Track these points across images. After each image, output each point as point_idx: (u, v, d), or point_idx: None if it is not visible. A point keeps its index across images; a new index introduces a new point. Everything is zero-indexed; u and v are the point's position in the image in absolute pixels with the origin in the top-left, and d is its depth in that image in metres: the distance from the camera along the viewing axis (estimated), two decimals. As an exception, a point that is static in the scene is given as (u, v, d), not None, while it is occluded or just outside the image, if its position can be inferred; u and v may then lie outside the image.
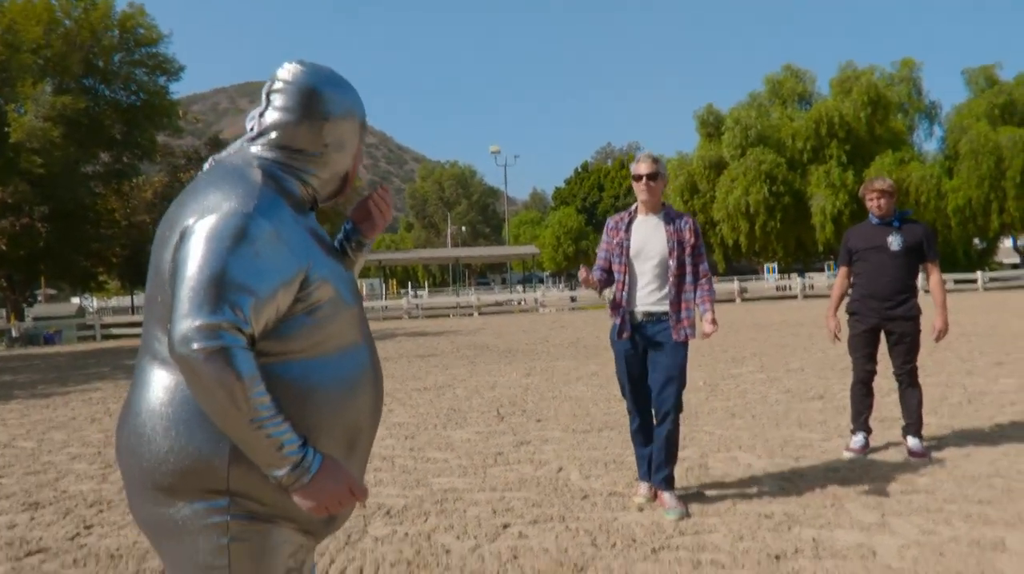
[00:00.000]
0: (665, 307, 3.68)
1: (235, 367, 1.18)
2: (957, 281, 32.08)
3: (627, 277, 3.74)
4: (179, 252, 1.26)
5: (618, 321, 3.76)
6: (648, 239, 3.72)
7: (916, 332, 4.49)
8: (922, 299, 4.58)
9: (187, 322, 1.19)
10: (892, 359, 4.59)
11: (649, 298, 3.70)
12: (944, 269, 36.75)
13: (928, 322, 4.42)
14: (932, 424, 5.37)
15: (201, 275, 1.21)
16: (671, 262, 3.67)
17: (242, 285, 1.22)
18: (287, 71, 1.44)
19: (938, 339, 4.55)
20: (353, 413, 1.42)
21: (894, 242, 4.43)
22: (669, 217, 3.78)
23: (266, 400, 1.22)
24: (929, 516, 3.43)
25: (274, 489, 1.31)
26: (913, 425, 4.50)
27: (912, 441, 4.49)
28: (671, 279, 3.67)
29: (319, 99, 1.43)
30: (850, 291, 4.73)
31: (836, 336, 4.70)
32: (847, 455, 4.52)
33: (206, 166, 1.44)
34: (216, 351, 1.18)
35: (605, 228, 3.92)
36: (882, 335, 4.58)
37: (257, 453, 1.24)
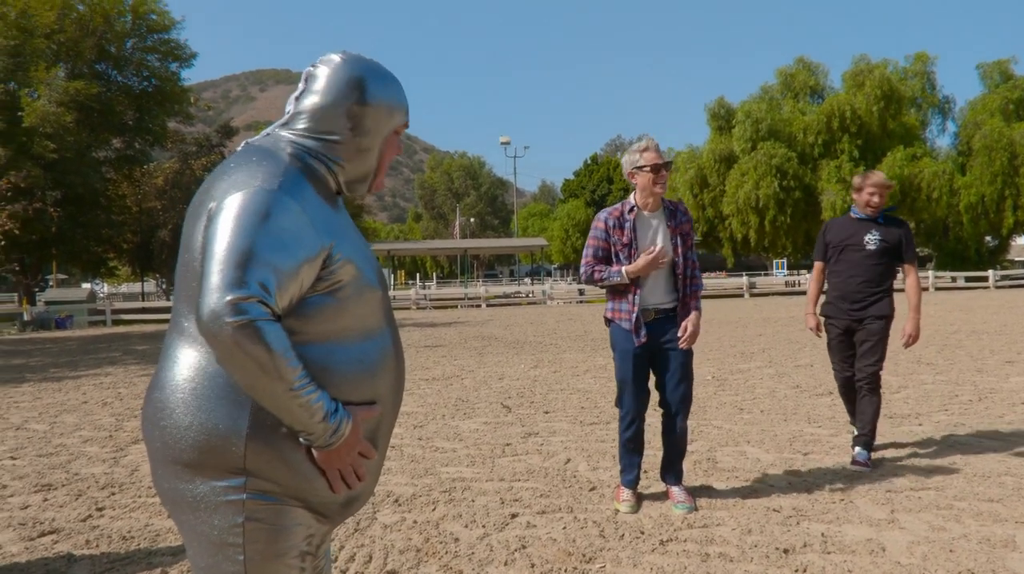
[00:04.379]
0: (675, 303, 3.61)
1: (265, 339, 1.21)
2: (968, 279, 31.89)
3: (639, 279, 3.58)
4: (207, 230, 1.29)
5: (630, 323, 3.57)
6: (655, 238, 3.58)
7: (884, 334, 4.22)
8: (897, 302, 4.42)
9: (215, 297, 1.21)
10: (856, 360, 4.33)
11: (659, 296, 3.59)
12: (955, 267, 36.66)
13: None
14: (943, 421, 5.35)
15: (228, 251, 1.23)
16: (677, 259, 3.59)
17: (268, 260, 1.25)
18: (329, 57, 1.47)
19: (907, 345, 4.29)
20: (374, 397, 1.44)
21: (871, 241, 4.23)
22: (670, 211, 3.65)
23: (299, 369, 1.25)
24: (939, 513, 3.42)
25: (290, 470, 1.33)
26: (864, 437, 4.22)
27: (859, 451, 4.21)
28: (679, 274, 3.60)
29: (354, 85, 1.44)
30: (825, 289, 4.55)
31: (818, 334, 4.55)
32: (853, 468, 4.15)
33: (238, 149, 1.47)
34: (245, 325, 1.20)
35: (602, 225, 3.61)
36: None
37: (293, 420, 1.27)
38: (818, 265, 4.58)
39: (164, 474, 1.35)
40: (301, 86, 1.48)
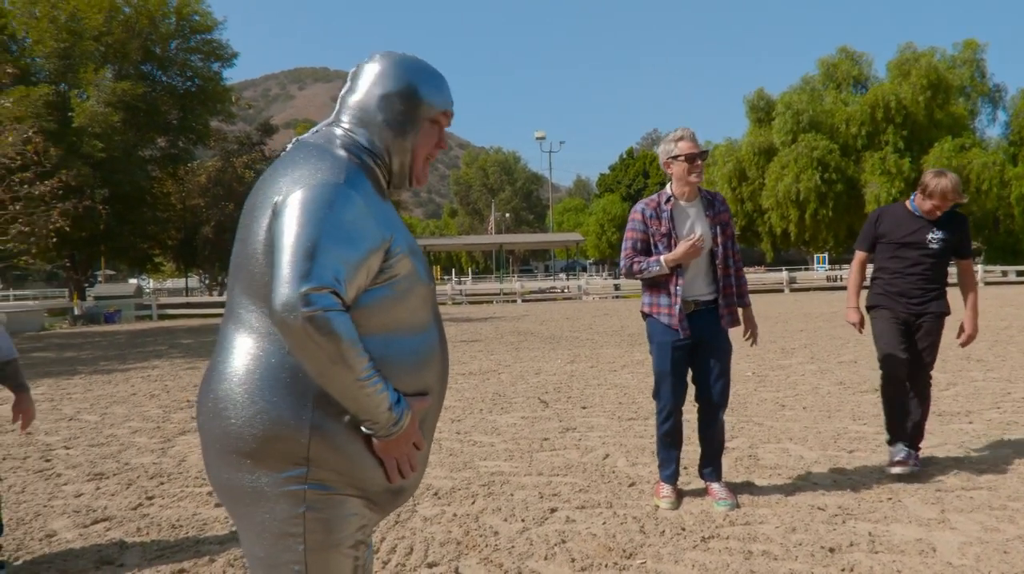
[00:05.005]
0: (715, 295, 3.57)
1: (338, 330, 1.25)
2: (1020, 273, 30.81)
3: (680, 270, 3.53)
4: (275, 224, 1.32)
5: (671, 316, 3.52)
6: (694, 228, 3.53)
7: (940, 333, 4.00)
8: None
9: (288, 288, 1.24)
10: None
11: (699, 287, 3.55)
12: (1006, 261, 35.48)
13: (952, 323, 4.06)
14: (995, 419, 5.18)
15: (298, 243, 1.27)
16: (717, 248, 3.55)
17: (337, 252, 1.28)
18: (375, 55, 1.53)
19: (965, 343, 4.03)
20: (425, 389, 1.47)
21: (935, 240, 3.91)
22: (707, 201, 3.61)
23: (367, 360, 1.29)
24: (992, 513, 3.31)
25: (350, 460, 1.36)
26: (912, 438, 3.97)
27: (901, 448, 3.95)
28: (719, 265, 3.55)
29: (389, 75, 1.49)
30: (870, 282, 4.18)
31: (860, 330, 4.23)
32: (894, 471, 3.81)
33: (288, 146, 1.50)
34: (319, 315, 1.24)
35: (639, 216, 3.57)
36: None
37: (360, 409, 1.31)
38: (861, 255, 4.21)
39: (224, 465, 1.37)
40: (347, 84, 1.54)
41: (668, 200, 3.58)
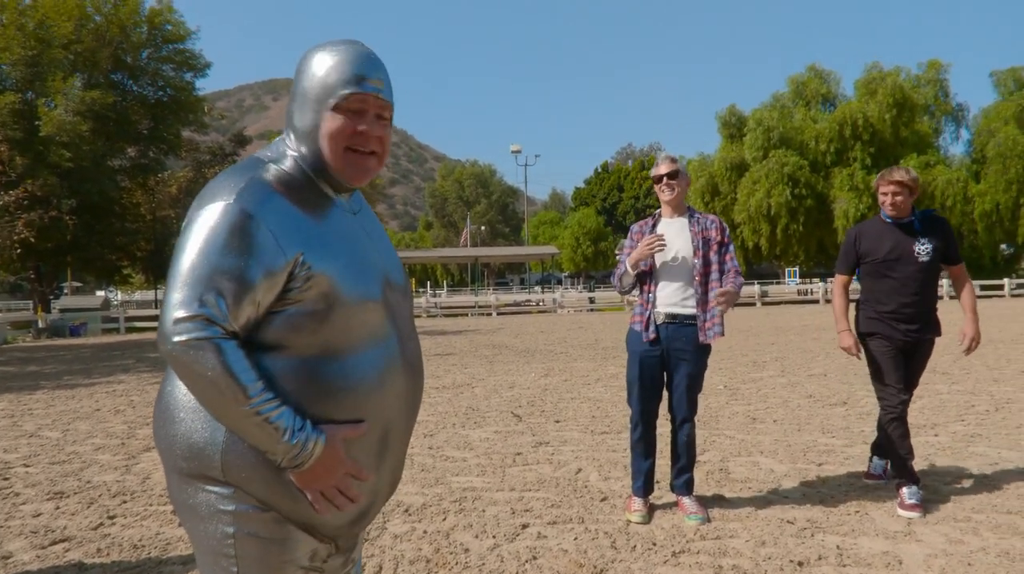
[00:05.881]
0: (691, 310, 3.58)
1: (215, 357, 1.20)
2: (983, 287, 31.55)
3: (652, 278, 3.65)
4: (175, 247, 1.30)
5: (642, 323, 3.64)
6: (673, 240, 3.62)
7: (931, 354, 3.90)
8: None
9: (167, 316, 1.23)
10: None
11: (674, 299, 3.60)
12: (972, 275, 36.12)
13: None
14: (959, 432, 5.28)
15: (181, 269, 1.24)
16: (696, 261, 3.59)
17: (220, 278, 1.22)
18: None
19: (969, 350, 3.86)
20: (380, 410, 1.39)
21: (923, 251, 3.71)
22: (694, 217, 3.71)
23: (256, 386, 1.22)
24: (956, 525, 3.36)
25: (268, 487, 1.29)
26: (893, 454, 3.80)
27: (877, 463, 4.07)
28: (697, 279, 3.58)
29: (297, 70, 1.40)
30: (859, 304, 3.95)
31: (857, 355, 3.91)
32: (905, 514, 3.52)
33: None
34: (192, 343, 1.20)
35: (629, 234, 3.83)
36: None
37: (252, 440, 1.25)
38: (843, 279, 3.99)
39: (170, 481, 1.37)
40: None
41: (656, 216, 3.80)
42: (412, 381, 1.48)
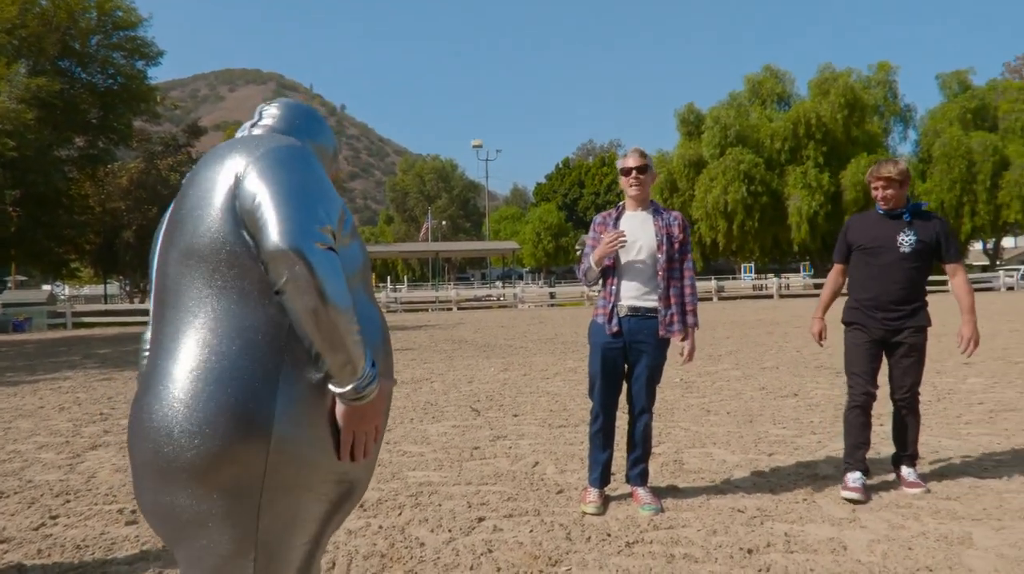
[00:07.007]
0: (653, 303, 3.62)
1: (340, 269, 1.24)
2: (938, 283, 32.64)
3: (615, 271, 3.65)
4: (245, 187, 1.28)
5: (604, 315, 3.64)
6: (637, 233, 3.64)
7: (925, 348, 3.81)
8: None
9: (296, 220, 1.22)
10: (893, 379, 3.86)
11: (637, 293, 3.62)
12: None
13: (937, 329, 3.94)
14: (903, 422, 5.45)
15: (293, 187, 1.26)
16: (660, 256, 3.61)
17: (324, 198, 1.30)
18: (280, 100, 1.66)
19: (966, 350, 3.77)
20: (386, 369, 1.46)
21: (905, 241, 3.73)
22: (658, 212, 3.73)
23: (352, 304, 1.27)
24: (899, 511, 3.48)
25: (312, 429, 1.29)
26: (911, 456, 3.90)
27: (908, 471, 3.88)
28: (660, 274, 3.61)
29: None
30: (844, 291, 4.06)
31: (820, 342, 4.11)
32: (846, 495, 3.65)
33: (202, 159, 1.46)
34: (327, 251, 1.22)
35: (592, 225, 3.79)
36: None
37: (348, 355, 1.25)
38: (838, 267, 4.08)
39: (162, 485, 1.26)
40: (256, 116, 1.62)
41: (619, 208, 3.79)
42: (389, 352, 1.53)
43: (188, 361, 1.25)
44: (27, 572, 3.04)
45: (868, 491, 3.73)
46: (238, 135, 1.51)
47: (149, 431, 1.24)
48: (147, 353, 1.57)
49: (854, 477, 3.74)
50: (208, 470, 1.21)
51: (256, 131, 1.53)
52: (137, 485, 1.30)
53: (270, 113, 1.58)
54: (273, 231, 1.20)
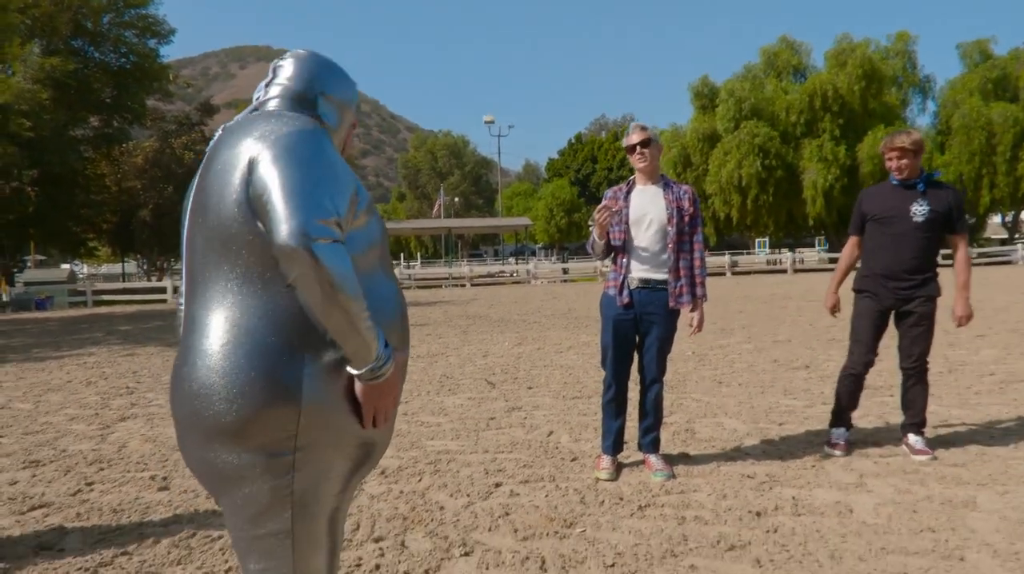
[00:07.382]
0: (663, 274, 3.68)
1: (348, 259, 1.30)
2: (945, 256, 32.33)
3: (626, 244, 3.72)
4: (257, 173, 1.33)
5: (616, 287, 3.72)
6: (647, 207, 3.70)
7: (934, 318, 3.86)
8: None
9: (300, 218, 1.26)
10: (902, 348, 3.93)
11: (647, 265, 3.69)
12: (933, 245, 37.13)
13: (947, 300, 3.94)
14: (913, 393, 5.51)
15: (298, 180, 1.30)
16: (670, 229, 3.67)
17: (333, 188, 1.33)
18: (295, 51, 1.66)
19: (960, 325, 3.89)
20: (401, 343, 1.54)
21: (918, 211, 3.77)
22: (668, 186, 3.78)
23: (363, 293, 1.33)
24: (905, 477, 3.56)
25: (337, 399, 1.39)
26: (918, 424, 3.97)
27: (915, 438, 3.94)
28: (670, 247, 3.68)
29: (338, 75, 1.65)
30: (858, 264, 4.11)
31: (834, 314, 4.19)
32: (830, 453, 3.94)
33: (218, 132, 1.51)
34: (332, 244, 1.27)
35: (604, 199, 3.84)
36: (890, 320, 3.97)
37: (360, 342, 1.33)
38: (853, 239, 4.11)
39: (204, 443, 1.38)
40: (270, 74, 1.60)
41: (629, 183, 3.84)
42: (407, 326, 1.62)
43: (220, 337, 1.37)
44: (68, 534, 3.20)
45: (850, 446, 4.05)
46: (255, 96, 1.59)
47: (190, 397, 1.37)
48: (182, 306, 1.64)
49: (838, 433, 4.06)
50: (244, 432, 1.34)
51: (272, 90, 1.56)
52: (182, 446, 1.44)
53: (285, 71, 1.58)
54: (279, 228, 1.26)
